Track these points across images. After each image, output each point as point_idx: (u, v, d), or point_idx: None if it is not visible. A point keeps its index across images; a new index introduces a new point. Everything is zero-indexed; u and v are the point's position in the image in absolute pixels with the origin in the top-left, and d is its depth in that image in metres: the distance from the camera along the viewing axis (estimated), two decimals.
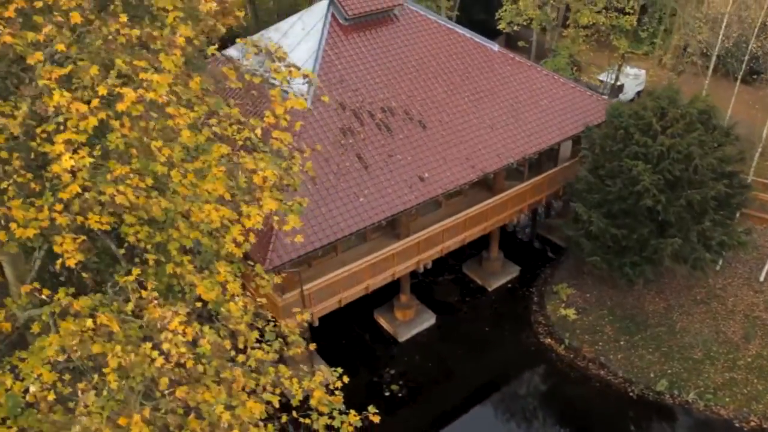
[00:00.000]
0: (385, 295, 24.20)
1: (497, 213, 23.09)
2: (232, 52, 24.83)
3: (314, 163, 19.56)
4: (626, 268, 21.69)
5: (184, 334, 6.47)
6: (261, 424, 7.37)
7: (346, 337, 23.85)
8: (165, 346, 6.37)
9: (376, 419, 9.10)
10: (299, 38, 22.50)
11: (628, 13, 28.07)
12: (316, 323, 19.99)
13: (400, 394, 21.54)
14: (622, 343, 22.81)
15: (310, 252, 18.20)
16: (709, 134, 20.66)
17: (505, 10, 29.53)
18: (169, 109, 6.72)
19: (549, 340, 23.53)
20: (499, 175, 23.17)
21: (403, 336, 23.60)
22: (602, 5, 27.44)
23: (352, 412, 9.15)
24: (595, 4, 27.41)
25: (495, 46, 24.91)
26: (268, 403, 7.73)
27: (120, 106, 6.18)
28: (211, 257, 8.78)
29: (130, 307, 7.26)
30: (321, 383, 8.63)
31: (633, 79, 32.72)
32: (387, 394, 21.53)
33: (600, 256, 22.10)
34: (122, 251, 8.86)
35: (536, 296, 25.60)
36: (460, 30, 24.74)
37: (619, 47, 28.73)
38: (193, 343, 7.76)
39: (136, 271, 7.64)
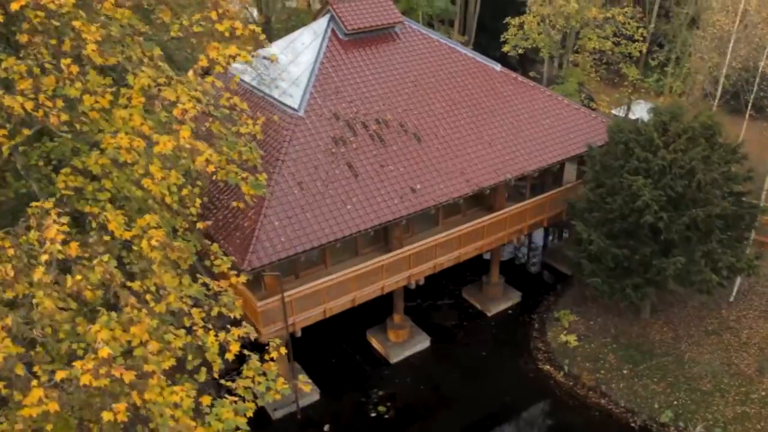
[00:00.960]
0: (380, 316, 23.51)
1: (494, 231, 22.38)
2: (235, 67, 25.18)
3: (303, 169, 19.39)
4: (628, 290, 20.67)
5: (66, 243, 6.04)
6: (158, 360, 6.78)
7: (337, 356, 23.04)
8: (43, 258, 5.96)
9: (307, 388, 8.43)
10: (300, 51, 22.68)
11: (637, 41, 27.73)
12: (299, 334, 19.31)
13: (386, 416, 20.52)
14: (624, 371, 21.53)
15: (291, 256, 17.74)
16: (714, 151, 19.89)
17: (511, 34, 29.50)
18: (76, 23, 6.50)
19: (548, 366, 22.37)
20: (498, 194, 22.61)
21: (395, 357, 22.70)
22: (611, 31, 27.18)
23: (281, 379, 8.49)
24: (604, 30, 27.18)
25: (497, 66, 24.75)
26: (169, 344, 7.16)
27: (13, 6, 5.98)
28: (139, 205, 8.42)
29: (33, 235, 6.88)
30: (240, 337, 8.01)
31: (646, 108, 32.09)
32: (373, 414, 20.55)
33: (601, 278, 21.14)
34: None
35: (537, 323, 24.53)
36: (462, 49, 24.70)
37: (628, 74, 28.30)
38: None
39: (48, 204, 7.30)
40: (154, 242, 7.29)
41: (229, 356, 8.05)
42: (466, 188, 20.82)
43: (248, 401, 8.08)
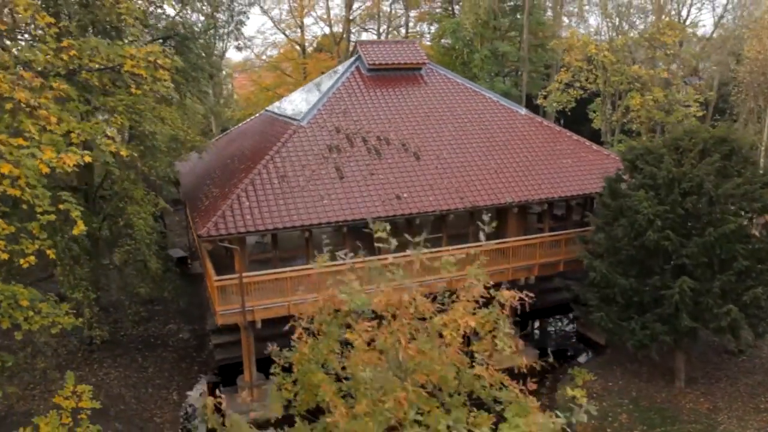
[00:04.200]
0: None
1: (494, 261, 20.66)
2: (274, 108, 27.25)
3: (288, 166, 19.86)
4: (634, 326, 17.78)
5: None
6: None
7: None
8: None
9: None
10: (324, 82, 24.24)
11: (690, 107, 25.82)
12: (259, 324, 18.55)
13: None
14: None
15: (252, 232, 17.73)
16: (733, 167, 17.54)
17: (550, 92, 28.98)
18: None
19: None
20: (508, 230, 21.30)
21: None
22: (659, 93, 25.68)
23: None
24: (651, 92, 25.81)
25: (522, 110, 24.38)
26: None
27: None
28: None
29: None
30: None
31: None
32: None
33: (605, 312, 18.50)
34: None
35: (550, 381, 21.45)
36: (488, 93, 24.79)
37: None
38: None
39: None
40: None
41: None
42: (458, 204, 19.91)
43: None
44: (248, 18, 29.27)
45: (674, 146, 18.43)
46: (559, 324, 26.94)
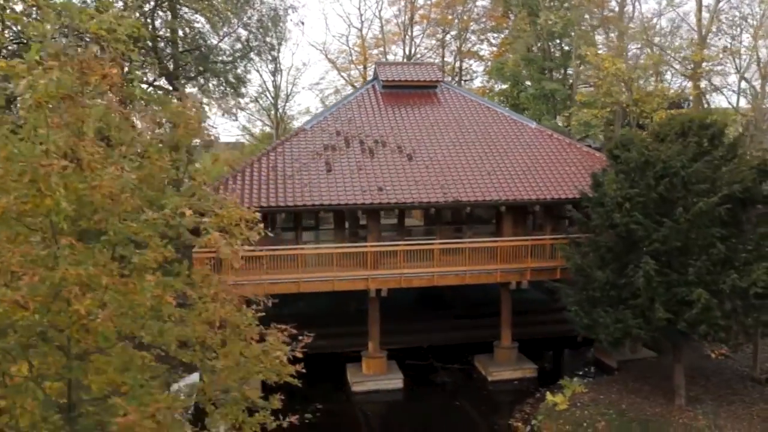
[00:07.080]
0: None
1: (481, 260, 20.18)
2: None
3: (280, 161, 21.11)
4: (604, 319, 16.54)
5: None
6: None
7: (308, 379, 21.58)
8: None
9: None
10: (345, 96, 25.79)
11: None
12: None
13: (307, 421, 18.25)
14: None
15: None
16: (717, 151, 16.36)
17: (572, 113, 28.09)
18: None
19: (518, 423, 17.92)
20: (503, 229, 20.96)
21: (358, 387, 20.50)
22: (686, 111, 24.28)
23: None
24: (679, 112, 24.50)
25: (533, 124, 24.20)
26: None
27: None
28: None
29: None
30: None
31: None
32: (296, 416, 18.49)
33: (579, 307, 17.41)
34: None
35: (540, 393, 20.04)
36: (500, 109, 24.94)
37: None
38: None
39: None
40: None
41: None
42: (440, 198, 19.98)
43: None
44: (280, 44, 32.03)
45: (656, 133, 17.61)
46: (580, 351, 25.19)
